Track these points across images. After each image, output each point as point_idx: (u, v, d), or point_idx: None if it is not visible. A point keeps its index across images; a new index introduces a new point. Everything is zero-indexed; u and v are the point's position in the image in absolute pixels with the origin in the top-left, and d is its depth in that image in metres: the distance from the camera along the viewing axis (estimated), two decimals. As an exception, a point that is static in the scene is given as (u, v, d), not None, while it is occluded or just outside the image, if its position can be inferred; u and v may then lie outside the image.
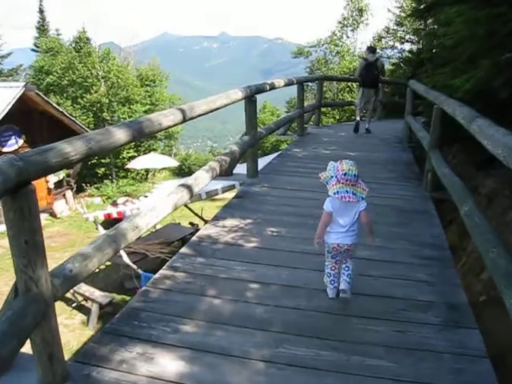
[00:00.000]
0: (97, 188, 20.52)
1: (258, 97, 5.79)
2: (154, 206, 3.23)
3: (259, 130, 6.26)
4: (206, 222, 12.71)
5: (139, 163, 15.21)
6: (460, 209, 3.50)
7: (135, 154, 21.98)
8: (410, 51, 19.54)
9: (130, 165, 15.70)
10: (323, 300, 2.98)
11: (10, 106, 14.06)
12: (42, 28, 27.64)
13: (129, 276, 9.96)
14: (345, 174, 2.73)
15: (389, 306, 2.91)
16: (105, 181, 20.43)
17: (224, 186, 6.92)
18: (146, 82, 24.02)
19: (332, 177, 2.83)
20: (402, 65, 18.52)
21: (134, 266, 9.43)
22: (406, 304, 2.92)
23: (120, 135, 2.57)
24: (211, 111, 4.20)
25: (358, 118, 9.59)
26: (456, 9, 4.86)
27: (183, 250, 3.80)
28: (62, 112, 15.97)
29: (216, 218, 4.47)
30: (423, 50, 17.21)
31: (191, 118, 3.70)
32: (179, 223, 12.93)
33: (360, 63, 9.39)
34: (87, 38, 25.93)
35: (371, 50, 9.68)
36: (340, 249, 2.85)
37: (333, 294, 2.98)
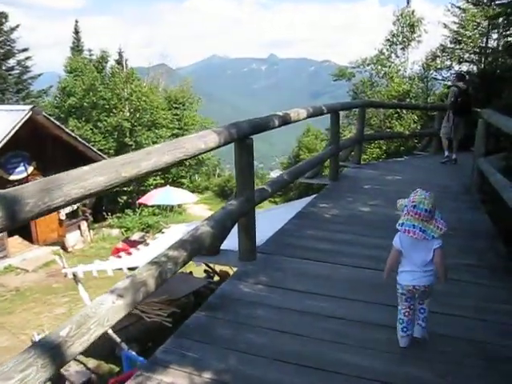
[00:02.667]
0: (118, 218, 18.99)
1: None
2: None
3: (261, 186, 4.20)
4: (220, 276, 10.62)
5: (152, 198, 13.38)
6: None
7: (162, 181, 20.35)
8: (468, 72, 17.34)
9: (142, 200, 13.93)
10: None
11: (14, 131, 12.72)
12: (77, 49, 26.73)
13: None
14: (414, 207, 2.41)
15: None
16: (126, 210, 18.80)
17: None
18: (175, 105, 22.42)
19: (405, 206, 2.49)
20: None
21: (117, 338, 7.48)
22: None
23: None
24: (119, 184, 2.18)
25: (447, 153, 9.06)
26: None
27: None
28: (74, 137, 14.49)
29: (148, 367, 2.45)
30: (487, 70, 14.87)
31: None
32: (191, 272, 10.89)
33: (453, 91, 8.75)
34: (118, 61, 24.86)
35: (461, 77, 9.20)
36: (416, 291, 2.50)
37: (405, 343, 2.60)
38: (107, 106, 20.01)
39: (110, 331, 7.46)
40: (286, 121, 4.32)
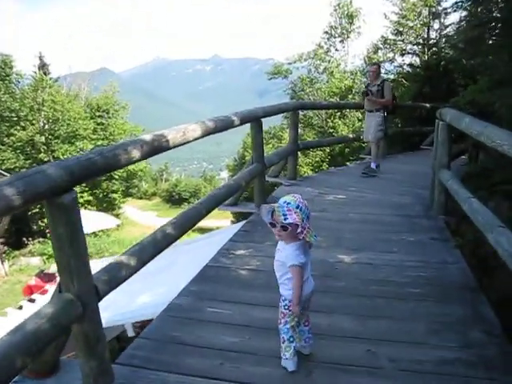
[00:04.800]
0: (41, 243, 16.87)
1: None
2: None
3: (121, 256, 2.65)
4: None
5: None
6: None
7: (90, 197, 18.27)
8: (411, 64, 16.53)
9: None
10: None
11: None
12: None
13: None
14: (308, 215, 2.24)
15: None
16: (49, 234, 16.65)
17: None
18: (98, 114, 20.25)
19: (304, 218, 2.19)
20: (403, 81, 15.37)
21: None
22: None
23: None
24: None
25: (379, 161, 7.86)
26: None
27: None
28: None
29: None
30: (430, 62, 13.95)
31: None
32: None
33: (390, 86, 7.64)
34: (43, 66, 22.73)
35: None
36: (309, 296, 2.39)
37: (294, 365, 2.35)
38: (15, 118, 17.64)
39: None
40: (157, 148, 2.78)
